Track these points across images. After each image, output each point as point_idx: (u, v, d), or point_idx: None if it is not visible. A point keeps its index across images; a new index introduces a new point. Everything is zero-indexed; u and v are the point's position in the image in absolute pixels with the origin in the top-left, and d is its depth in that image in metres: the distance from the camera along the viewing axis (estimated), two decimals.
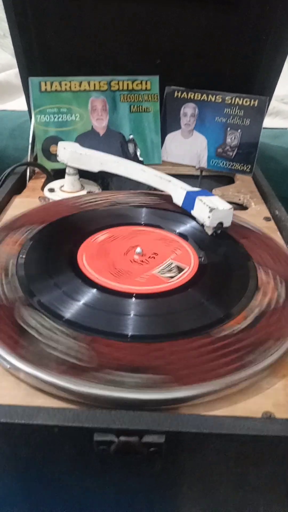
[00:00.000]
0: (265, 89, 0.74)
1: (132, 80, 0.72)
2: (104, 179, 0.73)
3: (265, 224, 0.59)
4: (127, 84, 0.72)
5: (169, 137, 0.78)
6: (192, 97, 0.75)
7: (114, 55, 0.72)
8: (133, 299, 0.40)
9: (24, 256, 0.45)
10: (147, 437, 0.29)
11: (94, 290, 0.40)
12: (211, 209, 0.49)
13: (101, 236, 0.50)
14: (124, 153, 0.74)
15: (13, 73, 1.06)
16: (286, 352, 0.36)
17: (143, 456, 0.29)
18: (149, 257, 0.47)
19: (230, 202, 0.52)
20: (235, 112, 0.73)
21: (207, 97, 0.74)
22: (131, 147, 0.75)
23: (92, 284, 0.41)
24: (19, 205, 0.60)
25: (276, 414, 0.31)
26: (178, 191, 0.55)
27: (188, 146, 0.77)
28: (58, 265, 0.44)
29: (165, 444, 0.29)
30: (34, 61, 0.70)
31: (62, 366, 0.32)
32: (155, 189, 0.61)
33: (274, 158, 0.90)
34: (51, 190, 0.65)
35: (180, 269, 0.44)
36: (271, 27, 0.69)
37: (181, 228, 0.53)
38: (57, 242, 0.48)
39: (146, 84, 0.73)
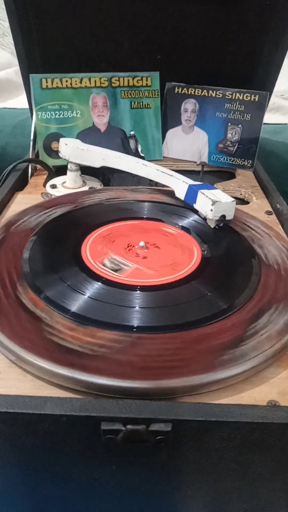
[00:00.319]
0: (266, 84, 0.74)
1: (133, 77, 0.72)
2: (105, 175, 0.73)
3: (266, 218, 0.59)
4: (128, 81, 0.72)
5: (170, 133, 0.78)
6: (192, 92, 0.75)
7: (115, 52, 0.72)
8: (138, 291, 0.40)
9: (28, 251, 0.45)
10: (154, 426, 0.29)
11: (99, 283, 0.41)
12: (213, 202, 0.49)
13: (104, 230, 0.50)
14: (125, 149, 0.74)
15: (13, 71, 1.07)
16: None
17: (150, 445, 0.29)
18: (152, 251, 0.47)
19: (232, 197, 0.52)
20: (235, 107, 0.73)
21: (208, 93, 0.74)
22: (132, 143, 0.75)
23: (96, 277, 0.42)
24: (21, 201, 0.60)
25: (281, 402, 0.32)
26: (180, 185, 0.56)
27: (189, 142, 0.78)
28: (63, 260, 0.44)
29: (172, 432, 0.29)
30: (35, 58, 0.70)
31: (68, 357, 0.32)
32: (156, 183, 0.61)
33: (275, 153, 0.90)
34: (53, 186, 0.65)
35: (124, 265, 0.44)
36: (271, 22, 0.69)
37: (184, 222, 0.53)
38: (61, 236, 0.49)
39: (146, 80, 0.73)
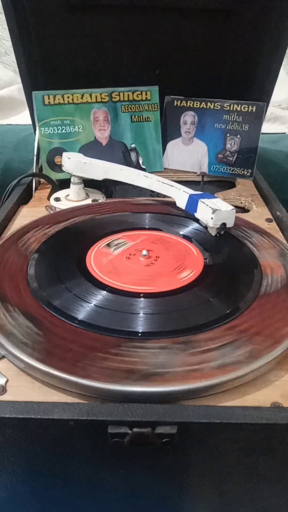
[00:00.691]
0: (263, 95, 0.76)
1: (133, 91, 0.74)
2: (108, 188, 0.75)
3: (267, 225, 0.60)
4: (128, 95, 0.74)
5: (170, 145, 0.80)
6: (191, 105, 0.77)
7: (115, 67, 0.74)
8: (141, 298, 0.41)
9: (34, 262, 0.46)
10: (159, 428, 0.29)
11: (104, 292, 0.42)
12: (214, 210, 0.51)
13: (107, 241, 0.51)
14: (127, 162, 0.76)
15: (16, 89, 1.09)
16: None
17: (156, 447, 0.30)
18: (155, 259, 0.48)
19: (232, 206, 0.53)
20: (234, 118, 0.75)
21: (206, 105, 0.76)
22: (133, 155, 0.76)
23: (101, 285, 0.43)
24: (26, 215, 0.62)
25: (284, 404, 0.32)
26: (181, 194, 0.57)
27: (189, 153, 0.79)
28: (68, 270, 0.45)
29: (177, 434, 0.30)
30: (37, 76, 0.73)
31: (75, 363, 0.33)
32: (158, 194, 0.62)
33: (274, 162, 0.91)
34: (57, 199, 0.67)
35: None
36: (266, 34, 0.71)
37: (185, 231, 0.54)
38: (66, 247, 0.50)
39: (146, 94, 0.75)
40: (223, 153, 0.77)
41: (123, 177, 0.63)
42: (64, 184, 0.70)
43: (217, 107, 0.75)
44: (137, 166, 0.76)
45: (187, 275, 0.45)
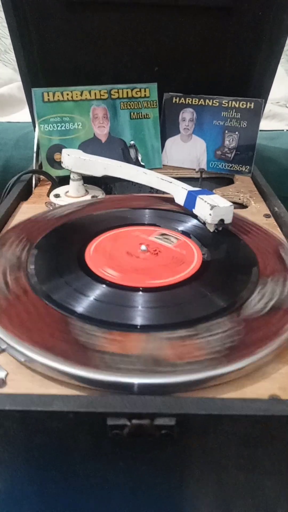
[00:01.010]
0: (261, 92, 0.76)
1: (131, 88, 0.75)
2: (107, 184, 0.75)
3: (265, 221, 0.61)
4: (127, 92, 0.74)
5: (169, 141, 0.80)
6: (190, 102, 0.77)
7: (114, 64, 0.75)
8: (140, 292, 0.41)
9: (34, 255, 0.46)
10: (158, 420, 0.30)
11: (101, 285, 0.42)
12: (212, 207, 0.51)
13: (107, 236, 0.52)
14: (126, 159, 0.76)
15: (15, 87, 1.09)
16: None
17: (155, 439, 0.30)
18: (153, 254, 0.48)
19: (231, 202, 0.54)
20: (232, 115, 0.75)
21: (205, 102, 0.76)
22: (132, 152, 0.77)
23: (98, 279, 0.43)
24: (26, 211, 0.62)
25: (282, 396, 0.33)
26: (179, 191, 0.57)
27: (188, 150, 0.79)
28: (67, 264, 0.46)
29: (176, 426, 0.30)
30: (36, 73, 0.73)
31: (75, 356, 0.34)
32: (157, 191, 0.63)
33: (272, 159, 0.92)
34: (57, 195, 0.67)
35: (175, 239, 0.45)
36: (264, 32, 0.71)
37: (184, 227, 0.55)
38: (65, 242, 0.50)
39: (145, 91, 0.76)
40: (221, 150, 0.77)
41: (122, 174, 0.63)
42: (64, 180, 0.70)
43: (216, 104, 0.76)
44: (136, 163, 0.76)
45: (186, 271, 0.45)
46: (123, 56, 0.74)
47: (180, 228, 0.54)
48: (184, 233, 0.53)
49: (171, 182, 0.59)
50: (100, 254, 0.48)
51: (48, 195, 0.68)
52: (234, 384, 0.34)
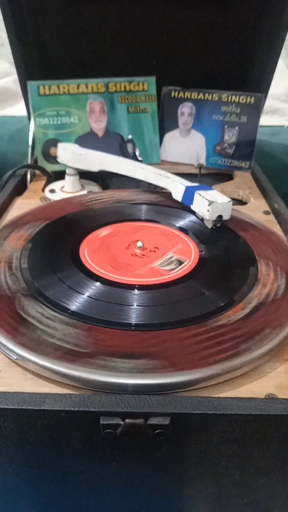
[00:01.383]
0: (261, 86, 0.75)
1: (129, 82, 0.74)
2: (104, 179, 0.74)
3: (264, 217, 0.60)
4: (124, 86, 0.73)
5: (168, 136, 0.79)
6: (189, 96, 0.76)
7: (111, 57, 0.73)
8: (134, 290, 0.41)
9: (28, 251, 0.46)
10: (152, 419, 0.29)
11: (95, 282, 0.41)
12: (210, 202, 0.50)
13: (103, 232, 0.51)
14: (123, 154, 0.75)
15: (11, 80, 1.08)
16: (286, 338, 0.36)
17: (149, 439, 0.30)
18: (150, 251, 0.47)
19: (230, 198, 0.53)
20: (232, 109, 0.74)
21: (204, 96, 0.75)
22: (130, 147, 0.76)
23: (92, 276, 0.42)
24: (21, 206, 0.61)
25: (278, 395, 0.32)
26: (177, 186, 0.56)
27: (187, 145, 0.78)
28: (60, 259, 0.45)
29: (170, 426, 0.29)
30: (32, 66, 0.72)
31: (67, 355, 0.33)
32: (155, 186, 0.62)
33: (273, 155, 0.91)
34: (52, 191, 0.66)
35: (180, 262, 0.45)
36: (264, 24, 0.70)
37: (181, 223, 0.54)
38: (60, 237, 0.49)
39: (143, 85, 0.74)
40: (221, 145, 0.76)
41: (118, 169, 0.62)
42: (60, 175, 0.69)
43: (215, 98, 0.74)
44: (134, 157, 0.76)
45: (182, 268, 0.44)
46: (121, 48, 0.73)
47: (178, 224, 0.54)
48: (181, 229, 0.52)
49: (168, 178, 0.58)
50: (95, 251, 0.47)
51: (43, 190, 0.67)
52: (231, 384, 0.33)
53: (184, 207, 0.56)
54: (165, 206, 0.58)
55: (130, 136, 0.75)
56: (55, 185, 0.68)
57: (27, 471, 0.33)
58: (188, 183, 0.56)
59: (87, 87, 0.71)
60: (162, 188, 0.60)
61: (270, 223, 0.58)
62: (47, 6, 0.68)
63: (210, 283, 0.42)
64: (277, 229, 0.56)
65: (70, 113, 0.71)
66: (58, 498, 0.36)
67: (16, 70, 0.71)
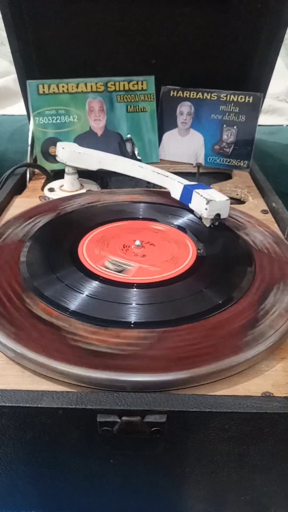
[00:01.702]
0: (260, 86, 0.75)
1: (128, 81, 0.74)
2: (103, 179, 0.74)
3: (262, 216, 0.60)
4: (124, 85, 0.73)
5: (166, 135, 0.79)
6: (187, 95, 0.76)
7: (110, 57, 0.73)
8: (133, 288, 0.41)
9: (27, 250, 0.46)
10: (149, 417, 0.29)
11: (93, 281, 0.41)
12: (208, 201, 0.50)
13: (101, 230, 0.51)
14: (122, 153, 0.75)
15: (11, 79, 1.08)
16: (283, 336, 0.36)
17: (145, 436, 0.30)
18: (147, 249, 0.47)
19: (228, 197, 0.53)
20: (230, 109, 0.74)
21: (203, 95, 0.75)
22: (129, 146, 0.76)
23: (91, 274, 0.42)
24: (20, 205, 0.61)
25: (275, 394, 0.32)
26: (175, 185, 0.56)
27: (185, 144, 0.79)
28: (60, 259, 0.45)
29: (167, 423, 0.29)
30: (31, 65, 0.72)
31: (65, 353, 0.33)
32: (154, 185, 0.62)
33: (271, 154, 0.91)
34: (51, 189, 0.66)
35: (122, 270, 0.44)
36: (263, 24, 0.70)
37: (180, 221, 0.54)
38: (59, 237, 0.49)
39: (142, 84, 0.75)
40: (219, 144, 0.76)
41: (117, 167, 0.62)
42: (59, 174, 0.69)
43: (214, 97, 0.75)
44: (133, 156, 0.76)
45: (181, 266, 0.44)
46: (120, 48, 0.73)
47: (176, 222, 0.54)
48: (180, 228, 0.53)
49: (167, 176, 0.58)
50: (93, 250, 0.47)
51: (42, 189, 0.67)
52: (227, 382, 0.33)
53: (182, 205, 0.56)
54: (163, 204, 0.58)
55: (129, 135, 0.75)
56: (54, 184, 0.68)
57: (24, 469, 0.33)
58: (186, 182, 0.56)
59: (86, 86, 0.71)
60: (161, 187, 0.60)
61: (268, 222, 0.58)
62: (46, 6, 0.68)
63: (208, 281, 0.42)
64: (275, 228, 0.56)
65: (69, 112, 0.71)
66: (55, 496, 0.36)
67: (15, 69, 0.71)
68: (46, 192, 0.65)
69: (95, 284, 0.41)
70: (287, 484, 0.34)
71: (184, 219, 0.55)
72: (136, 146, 0.76)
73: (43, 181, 0.70)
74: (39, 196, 0.64)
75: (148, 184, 0.64)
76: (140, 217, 0.55)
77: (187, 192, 0.54)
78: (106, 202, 0.58)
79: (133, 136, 0.76)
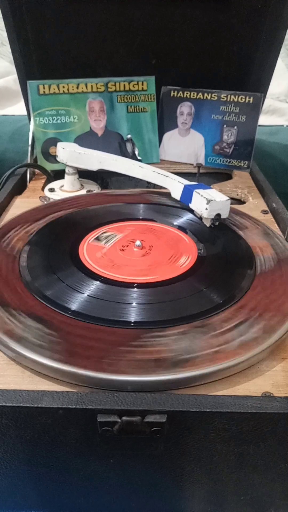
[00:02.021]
0: (260, 86, 0.75)
1: (129, 81, 0.74)
2: (103, 179, 0.74)
3: (262, 217, 0.60)
4: (124, 85, 0.74)
5: (167, 136, 0.79)
6: (188, 96, 0.76)
7: (110, 57, 0.73)
8: (133, 288, 0.41)
9: (27, 251, 0.46)
10: (149, 417, 0.29)
11: (94, 281, 0.41)
12: (208, 201, 0.50)
13: (101, 231, 0.51)
14: (123, 153, 0.75)
15: (11, 79, 1.08)
16: (283, 336, 0.36)
17: (145, 436, 0.30)
18: (148, 249, 0.47)
19: (228, 197, 0.53)
20: (230, 109, 0.74)
21: (203, 96, 0.75)
22: (129, 146, 0.76)
23: (92, 274, 0.42)
24: (20, 205, 0.61)
25: (275, 394, 0.32)
26: (176, 185, 0.56)
27: (186, 145, 0.79)
28: (59, 260, 0.45)
29: (167, 423, 0.29)
30: (32, 65, 0.72)
31: (65, 353, 0.33)
32: (154, 185, 0.62)
33: (271, 155, 0.91)
34: (51, 190, 0.66)
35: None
36: (264, 24, 0.70)
37: (180, 221, 0.54)
38: (59, 238, 0.49)
39: (142, 84, 0.75)
40: (219, 145, 0.76)
41: (117, 168, 0.62)
42: (59, 175, 0.69)
43: (214, 98, 0.75)
44: (133, 157, 0.76)
45: (184, 264, 0.44)
46: (120, 48, 0.73)
47: (176, 223, 0.54)
48: (180, 228, 0.53)
49: (167, 176, 0.58)
50: (93, 251, 0.47)
51: (42, 189, 0.67)
52: (227, 382, 0.33)
53: (183, 205, 0.56)
54: (163, 205, 0.58)
55: (129, 136, 0.75)
56: (55, 184, 0.68)
57: (24, 469, 0.33)
58: (186, 182, 0.56)
59: (86, 86, 0.71)
60: (161, 187, 0.60)
61: (268, 222, 0.58)
62: (47, 6, 0.68)
63: (208, 281, 0.42)
64: (275, 228, 0.56)
65: (69, 112, 0.71)
66: (55, 496, 0.36)
67: (15, 70, 0.71)
68: (46, 192, 0.65)
69: (95, 284, 0.41)
70: (287, 484, 0.34)
71: (184, 219, 0.55)
72: (136, 146, 0.76)
73: (43, 181, 0.70)
74: (39, 197, 0.64)
75: (149, 184, 0.64)
76: (141, 217, 0.55)
77: (187, 192, 0.54)
78: (106, 203, 0.58)
79: (134, 136, 0.76)
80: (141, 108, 0.75)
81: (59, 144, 0.65)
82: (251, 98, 0.72)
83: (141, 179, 0.61)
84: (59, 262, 0.45)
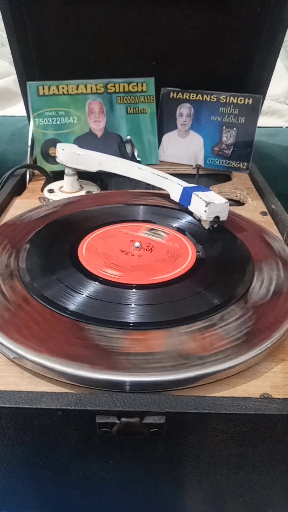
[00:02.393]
0: (259, 88, 0.75)
1: (128, 82, 0.74)
2: (103, 180, 0.75)
3: (261, 218, 0.60)
4: (123, 86, 0.74)
5: (166, 137, 0.80)
6: (187, 97, 0.77)
7: (110, 58, 0.74)
8: (132, 289, 0.41)
9: (26, 253, 0.46)
10: (148, 418, 0.29)
11: (93, 282, 0.42)
12: (207, 203, 0.50)
13: (100, 232, 0.51)
14: (122, 154, 0.75)
15: (11, 80, 1.08)
16: (282, 338, 0.36)
17: (144, 438, 0.30)
18: (147, 250, 0.48)
19: (227, 199, 0.53)
20: (230, 111, 0.74)
21: (202, 97, 0.76)
22: (128, 147, 0.76)
23: (90, 276, 0.43)
24: (20, 206, 0.61)
25: (273, 395, 0.32)
26: (175, 187, 0.57)
27: (185, 146, 0.79)
28: (59, 261, 0.45)
29: (166, 424, 0.30)
30: (31, 66, 0.72)
31: (64, 354, 0.33)
32: (153, 187, 0.62)
33: (270, 156, 0.91)
34: (51, 191, 0.66)
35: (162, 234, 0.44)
36: (263, 25, 0.70)
37: (179, 223, 0.54)
38: (58, 239, 0.49)
39: (142, 86, 0.75)
40: (219, 146, 0.76)
41: (117, 169, 0.62)
42: (59, 176, 0.70)
43: (213, 99, 0.75)
44: (132, 158, 0.76)
45: (182, 265, 0.45)
46: (120, 49, 0.73)
47: (175, 225, 0.54)
48: (179, 230, 0.53)
49: (166, 178, 0.58)
50: (93, 253, 0.47)
51: (42, 190, 0.67)
52: (226, 383, 0.33)
53: (182, 207, 0.56)
54: (162, 207, 0.58)
55: (128, 137, 0.76)
56: (54, 185, 0.68)
57: (23, 470, 0.34)
58: (185, 184, 0.57)
59: (86, 87, 0.71)
60: (160, 189, 0.60)
61: (267, 224, 0.58)
62: (47, 6, 0.68)
63: (207, 283, 0.42)
64: (274, 230, 0.57)
65: (69, 113, 0.71)
66: (54, 496, 0.36)
67: (15, 70, 0.71)
68: (45, 193, 0.66)
69: (95, 285, 0.41)
70: (285, 485, 0.35)
71: (183, 221, 0.55)
72: (135, 148, 0.76)
73: (42, 182, 0.70)
74: (39, 197, 0.64)
75: (148, 185, 0.64)
76: (140, 219, 0.55)
77: (186, 194, 0.54)
78: (106, 204, 0.58)
79: (133, 138, 0.76)
80: (141, 109, 0.76)
81: (58, 145, 0.65)
82: (251, 99, 0.72)
83: (140, 181, 0.62)
84: (58, 263, 0.45)
